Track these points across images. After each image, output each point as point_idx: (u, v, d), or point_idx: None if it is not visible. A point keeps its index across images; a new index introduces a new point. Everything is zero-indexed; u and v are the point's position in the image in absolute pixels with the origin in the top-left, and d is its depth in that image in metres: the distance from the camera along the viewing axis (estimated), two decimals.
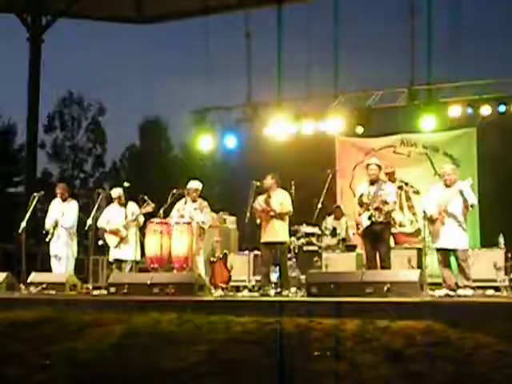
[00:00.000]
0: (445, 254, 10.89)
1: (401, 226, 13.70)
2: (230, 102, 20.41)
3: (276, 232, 12.11)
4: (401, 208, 14.50)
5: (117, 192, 13.37)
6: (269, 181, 12.35)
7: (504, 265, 12.65)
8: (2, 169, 37.59)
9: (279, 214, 12.09)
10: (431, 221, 10.91)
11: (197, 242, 12.36)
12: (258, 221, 12.26)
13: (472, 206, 10.84)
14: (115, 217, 13.20)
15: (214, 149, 17.79)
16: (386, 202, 11.22)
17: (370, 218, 11.21)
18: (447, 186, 10.94)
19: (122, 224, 13.04)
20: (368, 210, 11.25)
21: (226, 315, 8.77)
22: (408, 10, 16.02)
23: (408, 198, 14.51)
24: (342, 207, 14.88)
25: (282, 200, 12.19)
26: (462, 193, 10.66)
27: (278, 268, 12.41)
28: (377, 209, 11.17)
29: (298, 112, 16.71)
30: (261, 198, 12.29)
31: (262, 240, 12.22)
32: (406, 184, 14.23)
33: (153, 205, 12.82)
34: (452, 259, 10.98)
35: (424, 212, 11.21)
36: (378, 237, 11.29)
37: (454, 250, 10.81)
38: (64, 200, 13.61)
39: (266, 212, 12.13)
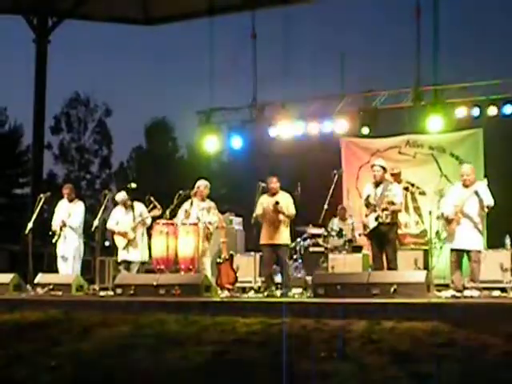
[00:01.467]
0: (458, 254, 10.88)
1: (406, 227, 13.69)
2: (235, 102, 20.39)
3: (281, 234, 12.19)
4: (406, 209, 14.47)
5: (120, 197, 13.37)
6: (274, 183, 12.41)
7: (510, 266, 12.63)
8: (8, 170, 37.71)
9: (287, 217, 12.17)
10: (447, 221, 10.91)
11: (203, 243, 12.36)
12: (265, 222, 12.29)
13: (488, 207, 10.81)
14: (124, 219, 13.22)
15: (219, 149, 17.81)
16: (392, 203, 11.23)
17: (376, 219, 11.22)
18: (466, 186, 10.90)
19: (130, 226, 13.06)
20: (375, 211, 11.26)
21: (232, 316, 8.78)
22: (414, 11, 16.00)
23: (414, 199, 14.50)
24: (347, 207, 14.89)
25: (287, 203, 12.27)
26: (477, 193, 10.65)
27: (280, 269, 12.46)
28: (384, 210, 11.17)
29: (303, 113, 16.72)
30: (268, 200, 12.31)
31: (265, 242, 12.27)
32: (412, 185, 14.23)
33: (159, 207, 12.83)
34: (464, 260, 10.97)
35: (430, 213, 11.21)
36: (384, 238, 11.30)
37: (468, 251, 10.80)
38: (70, 201, 13.64)
39: (277, 213, 12.16)
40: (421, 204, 14.73)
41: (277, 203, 12.14)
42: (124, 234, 13.10)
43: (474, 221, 10.75)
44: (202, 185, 12.68)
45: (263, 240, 12.34)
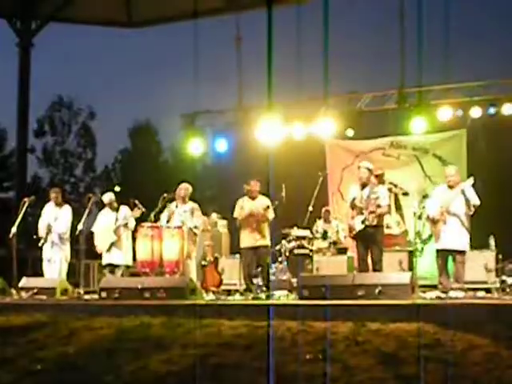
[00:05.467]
0: (445, 254, 10.92)
1: (388, 227, 13.68)
2: (220, 105, 20.40)
3: (261, 236, 12.29)
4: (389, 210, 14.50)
5: (108, 197, 13.35)
6: (255, 186, 12.49)
7: (495, 267, 12.69)
8: None
9: (266, 220, 12.24)
10: (433, 222, 10.94)
11: (188, 246, 12.34)
12: (244, 225, 12.35)
13: (474, 206, 10.88)
14: (107, 221, 13.18)
15: (204, 152, 17.80)
16: (379, 206, 11.25)
17: (363, 221, 11.23)
18: (450, 187, 10.97)
19: (112, 229, 13.02)
20: (361, 213, 11.27)
21: (217, 319, 8.77)
22: (398, 13, 16.06)
23: (396, 200, 14.52)
24: (332, 209, 14.93)
25: (266, 206, 12.34)
26: (464, 193, 10.70)
27: (260, 270, 12.49)
28: (371, 213, 11.19)
29: (288, 115, 16.73)
30: (249, 203, 12.36)
31: (247, 245, 12.33)
32: (396, 186, 14.25)
33: (143, 209, 12.79)
34: (450, 260, 11.02)
35: (414, 214, 11.24)
36: (370, 240, 11.32)
37: (453, 251, 10.85)
38: (57, 204, 13.57)
39: (257, 217, 12.20)
40: (403, 204, 14.74)
41: (268, 207, 12.21)
42: (106, 237, 13.06)
43: (460, 220, 10.81)
44: (183, 187, 12.66)
45: (245, 243, 12.38)
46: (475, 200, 10.82)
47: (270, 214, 12.39)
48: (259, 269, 12.40)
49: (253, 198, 12.48)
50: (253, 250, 12.31)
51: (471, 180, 10.88)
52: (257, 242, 12.27)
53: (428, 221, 11.20)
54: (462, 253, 10.91)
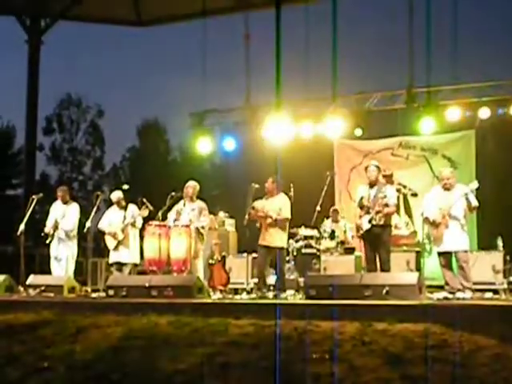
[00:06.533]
0: (447, 256, 10.92)
1: (396, 228, 13.66)
2: (228, 104, 20.38)
3: (272, 237, 12.05)
4: (397, 210, 14.47)
5: (116, 195, 13.36)
6: (269, 184, 12.30)
7: (503, 268, 12.66)
8: (0, 171, 37.61)
9: (275, 221, 12.04)
10: (434, 225, 10.91)
11: (196, 245, 12.32)
12: (258, 224, 12.25)
13: (475, 208, 10.89)
14: (115, 219, 13.20)
15: (212, 151, 17.80)
16: (386, 205, 11.21)
17: (370, 221, 11.20)
18: (446, 189, 10.97)
19: (120, 227, 13.03)
20: (369, 212, 11.24)
21: (224, 318, 8.76)
22: (407, 12, 16.02)
23: (405, 201, 14.50)
24: (339, 209, 14.90)
25: (280, 206, 12.13)
26: (467, 196, 10.70)
27: (275, 271, 12.43)
28: (377, 212, 11.16)
29: (296, 114, 16.71)
30: (258, 203, 12.25)
31: (259, 242, 12.22)
32: (404, 187, 14.23)
33: (151, 208, 12.78)
34: (453, 261, 11.01)
35: (422, 215, 11.21)
36: (378, 239, 11.26)
37: (456, 252, 10.84)
38: (65, 202, 13.59)
39: (263, 218, 12.10)
40: (412, 205, 14.73)
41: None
42: (114, 235, 13.08)
43: (460, 223, 10.83)
44: (190, 185, 12.62)
45: (260, 240, 12.24)
46: (475, 202, 10.84)
47: (282, 215, 12.04)
48: (271, 269, 12.37)
49: (267, 197, 12.33)
50: (266, 248, 12.17)
51: (475, 184, 10.86)
52: (270, 242, 12.09)
53: (426, 222, 11.16)
54: (465, 252, 10.91)
